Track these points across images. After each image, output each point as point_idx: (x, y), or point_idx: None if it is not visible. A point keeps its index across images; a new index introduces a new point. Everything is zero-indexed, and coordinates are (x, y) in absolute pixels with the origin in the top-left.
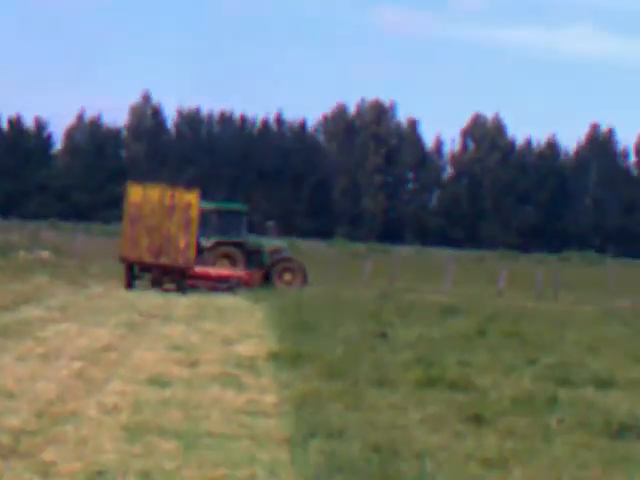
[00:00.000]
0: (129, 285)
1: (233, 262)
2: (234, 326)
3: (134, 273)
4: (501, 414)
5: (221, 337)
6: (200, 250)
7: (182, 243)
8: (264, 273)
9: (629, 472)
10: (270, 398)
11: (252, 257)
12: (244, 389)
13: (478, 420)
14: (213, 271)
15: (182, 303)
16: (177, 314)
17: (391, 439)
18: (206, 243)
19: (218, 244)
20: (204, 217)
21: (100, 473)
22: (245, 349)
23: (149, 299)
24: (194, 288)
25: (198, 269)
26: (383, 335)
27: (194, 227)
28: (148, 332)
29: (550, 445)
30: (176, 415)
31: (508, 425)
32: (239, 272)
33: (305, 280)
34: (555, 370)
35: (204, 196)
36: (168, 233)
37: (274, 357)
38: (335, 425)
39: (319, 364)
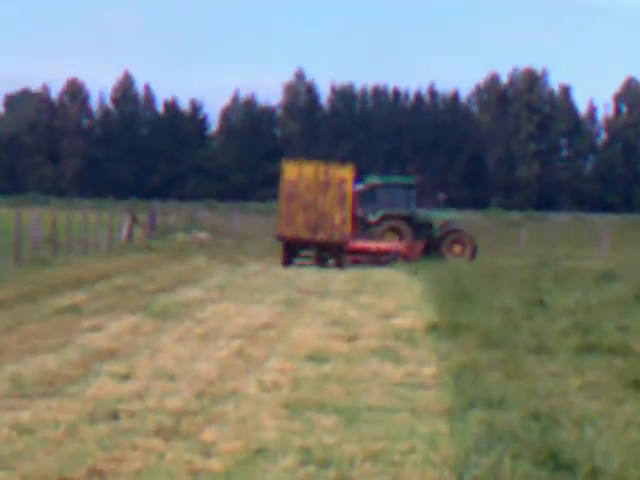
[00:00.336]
0: (287, 262)
1: (400, 236)
2: (392, 299)
3: (292, 250)
4: None
5: (379, 311)
6: (367, 225)
7: (337, 219)
8: (427, 245)
9: None
10: (429, 370)
11: (421, 230)
12: (403, 362)
13: (638, 385)
14: (373, 245)
15: (339, 278)
16: (334, 289)
17: (550, 407)
18: (373, 218)
19: (384, 218)
20: (372, 192)
21: (260, 451)
22: (403, 322)
23: (306, 276)
24: (356, 263)
25: (359, 244)
26: (541, 302)
27: (349, 202)
28: (306, 309)
29: None
30: (335, 390)
31: None
32: (398, 245)
33: (474, 252)
34: None
35: (359, 171)
36: (323, 209)
37: (432, 329)
38: (494, 395)
39: (477, 334)
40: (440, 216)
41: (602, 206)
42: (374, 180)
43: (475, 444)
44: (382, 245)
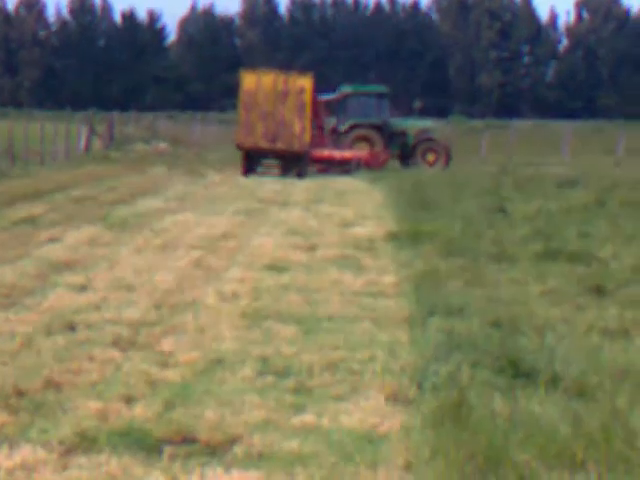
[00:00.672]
0: (247, 172)
1: (371, 144)
2: (352, 208)
3: (252, 160)
4: (622, 284)
5: (339, 220)
6: (339, 134)
7: (297, 128)
8: (400, 154)
9: None
10: (389, 278)
11: (395, 139)
12: (363, 271)
13: (599, 291)
14: (338, 154)
15: (300, 188)
16: (295, 199)
17: (511, 314)
18: (343, 127)
19: (353, 127)
20: (344, 101)
21: (218, 361)
22: (363, 231)
23: (267, 185)
24: (324, 172)
25: (324, 152)
26: (502, 210)
27: (308, 111)
28: (266, 218)
29: None
30: (295, 300)
31: (629, 295)
32: (361, 153)
33: (448, 160)
34: None
35: (319, 80)
36: (282, 118)
37: (392, 237)
38: (454, 302)
39: (438, 242)
40: (415, 124)
41: (564, 113)
42: (347, 89)
43: (434, 352)
44: (347, 154)
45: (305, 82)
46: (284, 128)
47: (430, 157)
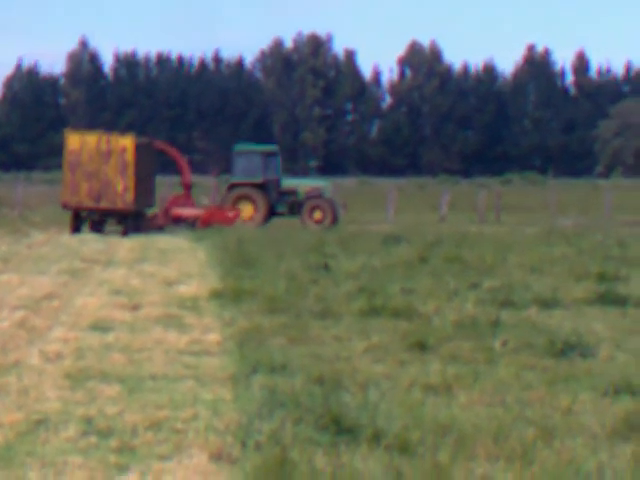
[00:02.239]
0: (75, 230)
1: (254, 203)
2: (175, 267)
3: (80, 219)
4: (445, 340)
5: (163, 279)
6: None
7: (120, 187)
8: (288, 211)
9: (573, 390)
10: (213, 337)
11: (282, 197)
12: (187, 329)
13: (422, 347)
14: (187, 212)
15: (124, 247)
16: (119, 258)
17: (335, 371)
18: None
19: (232, 186)
20: (236, 160)
21: (42, 422)
22: (187, 289)
23: (91, 244)
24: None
25: (180, 211)
26: (325, 267)
27: (130, 171)
28: (90, 278)
29: (494, 368)
30: (119, 359)
31: (452, 350)
32: (197, 211)
33: (335, 218)
34: (498, 293)
35: (146, 137)
36: (106, 178)
37: (216, 295)
38: (278, 360)
39: (261, 300)
40: (305, 183)
41: (388, 169)
42: (238, 148)
43: (258, 410)
44: (194, 211)
45: (127, 142)
46: (108, 187)
47: (317, 215)
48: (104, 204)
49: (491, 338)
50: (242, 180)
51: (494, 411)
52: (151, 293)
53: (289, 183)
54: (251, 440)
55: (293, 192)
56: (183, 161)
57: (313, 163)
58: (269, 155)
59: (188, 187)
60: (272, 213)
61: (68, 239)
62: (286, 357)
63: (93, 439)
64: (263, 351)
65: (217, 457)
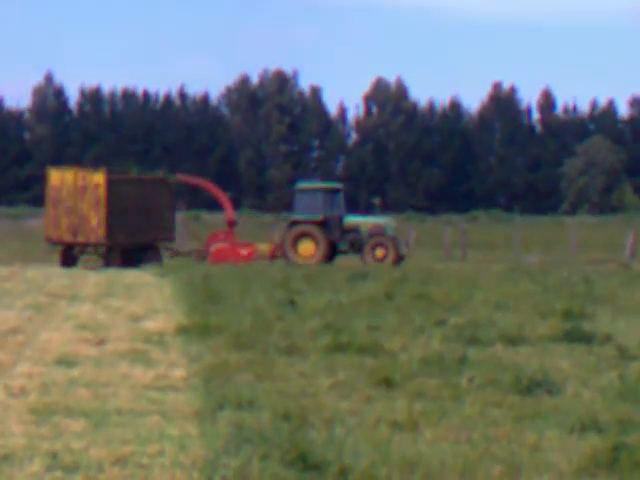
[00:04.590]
0: (64, 264)
1: (315, 241)
2: (142, 302)
3: (70, 253)
4: (411, 376)
5: (129, 314)
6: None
7: (94, 221)
8: (350, 249)
9: (539, 427)
10: (179, 372)
11: (346, 234)
12: (153, 365)
13: (388, 384)
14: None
15: (90, 282)
16: (85, 293)
17: (301, 407)
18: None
19: (293, 223)
20: (298, 197)
21: (6, 457)
22: (153, 325)
23: (56, 279)
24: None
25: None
26: (291, 303)
27: (103, 205)
28: (55, 312)
29: (460, 405)
30: (84, 394)
31: (418, 387)
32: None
33: (399, 256)
34: (464, 330)
35: (111, 172)
36: (82, 213)
37: (182, 331)
38: (244, 396)
39: (227, 335)
40: (368, 221)
41: (354, 207)
42: (301, 185)
43: (224, 445)
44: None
45: (99, 178)
46: (84, 222)
47: (379, 253)
48: (80, 238)
49: (457, 375)
50: (303, 217)
51: (460, 448)
52: (117, 328)
53: (352, 220)
54: (218, 476)
55: (356, 229)
56: (224, 197)
57: (376, 200)
58: (332, 192)
59: (231, 224)
60: (334, 251)
61: (33, 273)
62: (252, 393)
63: (58, 474)
64: (229, 387)
65: None
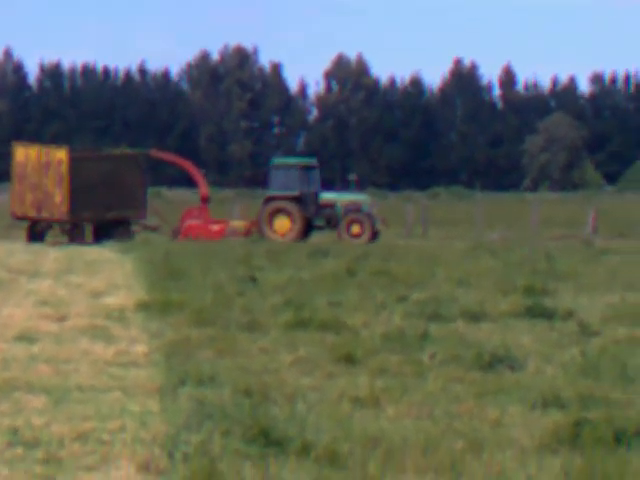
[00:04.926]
0: (30, 239)
1: (290, 216)
2: (103, 278)
3: (37, 228)
4: (373, 353)
5: (89, 290)
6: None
7: (57, 198)
8: (326, 225)
9: (501, 403)
10: (140, 348)
11: (322, 210)
12: (114, 341)
13: (350, 360)
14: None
15: (50, 258)
16: (45, 269)
17: (262, 383)
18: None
19: (268, 199)
20: (274, 173)
21: None
22: (114, 301)
23: (17, 255)
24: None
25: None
26: (252, 279)
27: (66, 182)
28: (16, 289)
29: (422, 381)
30: (45, 370)
31: (380, 363)
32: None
33: (375, 233)
34: (425, 306)
35: (75, 150)
36: (46, 189)
37: (143, 307)
38: (205, 372)
39: (189, 311)
40: (345, 197)
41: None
42: (276, 162)
43: (185, 421)
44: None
45: (61, 155)
46: (48, 198)
47: (355, 229)
48: (45, 214)
49: (419, 351)
50: (278, 193)
51: (422, 424)
52: (78, 304)
53: (327, 197)
54: (179, 452)
55: (331, 206)
56: (198, 174)
57: (352, 176)
58: (307, 168)
59: (205, 200)
60: (309, 227)
61: None
62: (214, 369)
63: (19, 450)
64: (191, 363)
65: (144, 469)
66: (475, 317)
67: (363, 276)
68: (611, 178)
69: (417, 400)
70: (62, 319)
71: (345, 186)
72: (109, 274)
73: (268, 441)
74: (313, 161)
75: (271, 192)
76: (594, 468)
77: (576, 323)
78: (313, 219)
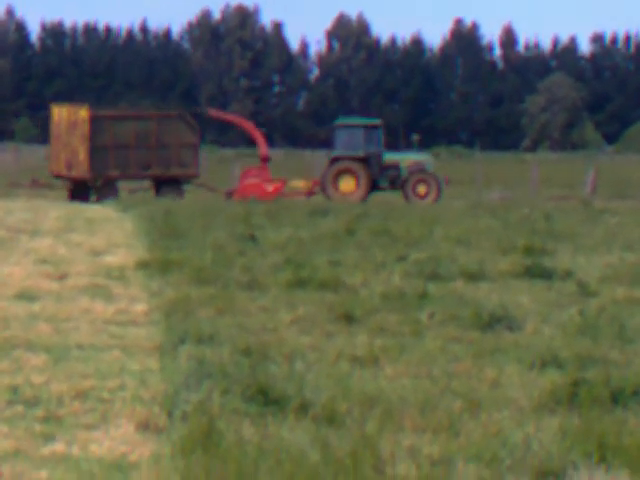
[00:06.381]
0: (73, 198)
1: (355, 177)
2: (103, 237)
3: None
4: (371, 312)
5: (90, 248)
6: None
7: (82, 156)
8: (390, 186)
9: (499, 363)
10: (140, 307)
11: (385, 172)
12: (113, 299)
13: (349, 319)
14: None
15: (51, 216)
16: (45, 227)
17: (261, 342)
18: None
19: (334, 160)
20: (338, 133)
21: None
22: (114, 259)
23: (17, 214)
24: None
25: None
26: (252, 238)
27: (87, 140)
28: (16, 247)
29: (420, 340)
30: (45, 329)
31: (378, 322)
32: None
33: (439, 193)
34: (425, 265)
35: (101, 108)
36: (74, 147)
37: (143, 266)
38: (205, 330)
39: (189, 270)
40: (409, 157)
41: (315, 142)
42: (340, 121)
43: (185, 380)
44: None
45: (83, 113)
46: (75, 157)
47: (421, 190)
48: (74, 172)
49: (418, 310)
50: (343, 154)
51: (421, 383)
52: (78, 262)
53: (391, 157)
54: (178, 410)
55: (396, 166)
56: (257, 132)
57: (415, 137)
58: (372, 128)
59: (265, 160)
60: (374, 188)
61: None
62: (213, 328)
63: (19, 408)
64: (190, 322)
65: (144, 427)
66: (474, 277)
67: (362, 235)
68: (611, 139)
69: (415, 359)
70: (62, 278)
71: (408, 146)
72: (109, 233)
73: (267, 400)
74: (377, 121)
75: (336, 152)
76: (591, 428)
77: (575, 283)
78: (378, 180)
